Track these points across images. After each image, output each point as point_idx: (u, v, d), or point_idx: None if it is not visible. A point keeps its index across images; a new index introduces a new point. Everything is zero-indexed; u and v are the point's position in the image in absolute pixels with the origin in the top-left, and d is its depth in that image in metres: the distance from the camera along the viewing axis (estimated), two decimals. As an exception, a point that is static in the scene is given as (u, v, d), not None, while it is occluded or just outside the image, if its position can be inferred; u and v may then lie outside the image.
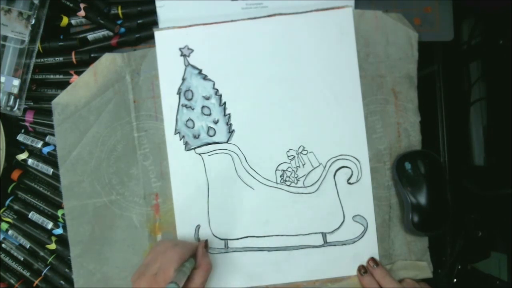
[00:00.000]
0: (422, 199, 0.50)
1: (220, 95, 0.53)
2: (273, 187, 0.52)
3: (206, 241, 0.50)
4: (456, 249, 0.54)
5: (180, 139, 0.53)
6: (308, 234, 0.52)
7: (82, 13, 0.54)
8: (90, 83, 0.53)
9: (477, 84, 0.59)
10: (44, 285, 0.54)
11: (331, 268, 0.52)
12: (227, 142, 0.53)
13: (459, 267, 0.53)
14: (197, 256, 0.48)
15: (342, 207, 0.52)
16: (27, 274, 0.55)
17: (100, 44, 0.56)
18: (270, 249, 0.52)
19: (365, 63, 0.53)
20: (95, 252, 0.52)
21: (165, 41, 0.53)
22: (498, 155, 0.58)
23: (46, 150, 0.56)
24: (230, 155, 0.52)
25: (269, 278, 0.52)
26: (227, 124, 0.53)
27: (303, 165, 0.52)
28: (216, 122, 0.53)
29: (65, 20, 0.55)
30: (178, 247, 0.46)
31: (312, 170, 0.52)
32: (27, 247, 0.55)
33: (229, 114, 0.53)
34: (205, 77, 0.53)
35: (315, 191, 0.52)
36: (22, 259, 0.55)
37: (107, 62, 0.53)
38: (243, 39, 0.53)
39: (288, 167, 0.53)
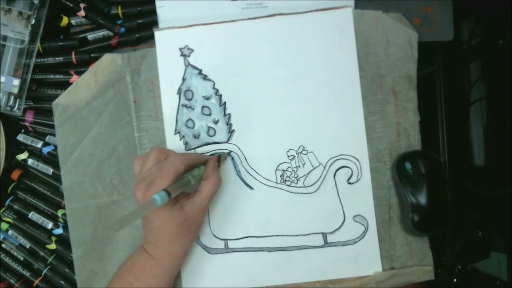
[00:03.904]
0: (422, 199, 0.50)
1: (220, 95, 0.53)
2: (273, 187, 0.52)
3: (219, 156, 0.49)
4: (456, 249, 0.54)
5: (180, 139, 0.53)
6: (309, 234, 0.52)
7: (82, 13, 0.54)
8: (90, 83, 0.53)
9: (477, 84, 0.59)
10: (44, 285, 0.54)
11: (332, 269, 0.52)
12: (227, 142, 0.53)
13: (459, 267, 0.53)
14: (207, 168, 0.47)
15: (342, 207, 0.52)
16: (27, 274, 0.55)
17: (100, 44, 0.56)
18: (270, 249, 0.52)
19: (365, 63, 0.53)
20: (98, 252, 0.52)
21: (165, 41, 0.53)
22: (498, 155, 0.58)
23: (46, 150, 0.56)
24: (230, 155, 0.52)
25: (269, 278, 0.52)
26: (227, 124, 0.53)
27: (303, 165, 0.52)
28: (216, 122, 0.53)
29: (65, 20, 0.55)
30: (182, 154, 0.45)
31: (312, 170, 0.52)
32: (27, 247, 0.56)
33: (229, 114, 0.53)
34: (205, 77, 0.53)
35: (315, 191, 0.52)
36: (22, 259, 0.55)
37: (107, 62, 0.53)
38: (243, 39, 0.53)
39: (288, 167, 0.53)
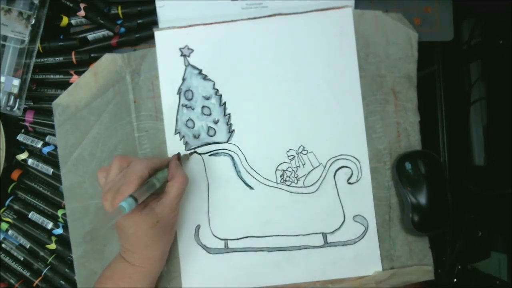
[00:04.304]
0: (422, 199, 0.50)
1: (220, 95, 0.53)
2: (273, 187, 0.52)
3: (178, 153, 0.49)
4: (456, 249, 0.54)
5: (180, 139, 0.53)
6: (309, 234, 0.52)
7: (82, 13, 0.54)
8: (90, 83, 0.53)
9: (477, 84, 0.59)
10: (44, 285, 0.54)
11: (332, 269, 0.52)
12: (227, 142, 0.53)
13: (459, 267, 0.53)
14: (170, 168, 0.47)
15: (342, 207, 0.52)
16: (27, 274, 0.55)
17: (100, 44, 0.56)
18: (270, 249, 0.52)
19: (365, 63, 0.53)
20: (97, 252, 0.52)
21: (165, 41, 0.53)
22: (498, 155, 0.58)
23: (46, 150, 0.56)
24: (230, 155, 0.52)
25: (269, 278, 0.52)
26: (227, 124, 0.53)
27: (303, 165, 0.52)
28: (216, 122, 0.53)
29: (65, 20, 0.55)
30: (144, 159, 0.45)
31: (312, 170, 0.52)
32: (27, 247, 0.56)
33: (229, 114, 0.53)
34: (205, 77, 0.53)
35: (315, 191, 0.52)
36: (22, 259, 0.55)
37: (107, 62, 0.53)
38: (243, 39, 0.53)
39: (288, 167, 0.53)
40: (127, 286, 0.45)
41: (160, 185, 0.45)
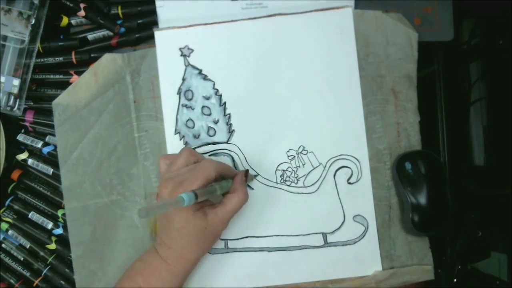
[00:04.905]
0: (422, 199, 0.50)
1: (220, 95, 0.53)
2: (273, 187, 0.52)
3: (247, 171, 0.48)
4: (456, 249, 0.54)
5: (180, 139, 0.53)
6: (309, 234, 0.52)
7: (82, 13, 0.54)
8: (90, 83, 0.53)
9: (477, 84, 0.59)
10: (44, 285, 0.54)
11: (332, 269, 0.52)
12: (227, 142, 0.53)
13: (459, 267, 0.53)
14: (235, 181, 0.46)
15: (342, 207, 0.52)
16: (27, 274, 0.55)
17: (100, 44, 0.56)
18: (270, 250, 0.52)
19: (365, 63, 0.53)
20: (97, 252, 0.52)
21: (165, 41, 0.53)
22: (498, 155, 0.58)
23: (46, 150, 0.55)
24: (230, 155, 0.52)
25: (269, 278, 0.52)
26: (227, 124, 0.53)
27: (303, 165, 0.52)
28: (216, 122, 0.53)
29: (65, 20, 0.55)
30: (215, 161, 0.45)
31: (312, 170, 0.52)
32: (27, 247, 0.55)
33: (229, 114, 0.53)
34: (205, 77, 0.53)
35: (315, 191, 0.52)
36: (22, 259, 0.55)
37: (107, 62, 0.53)
38: (243, 39, 0.53)
39: (288, 167, 0.53)
40: (157, 283, 0.45)
41: (220, 194, 0.45)
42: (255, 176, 0.52)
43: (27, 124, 0.56)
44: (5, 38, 0.53)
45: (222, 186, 0.45)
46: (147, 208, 0.36)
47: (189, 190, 0.40)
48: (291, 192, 0.52)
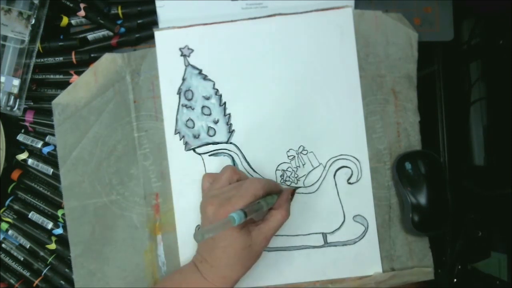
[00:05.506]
0: (422, 199, 0.50)
1: (220, 95, 0.53)
2: (273, 187, 0.52)
3: (294, 190, 0.49)
4: (456, 249, 0.54)
5: (180, 139, 0.53)
6: (309, 234, 0.52)
7: (82, 13, 0.54)
8: (90, 83, 0.53)
9: (477, 84, 0.59)
10: (44, 285, 0.54)
11: (332, 269, 0.51)
12: (227, 142, 0.53)
13: (459, 267, 0.53)
14: (281, 198, 0.46)
15: (342, 207, 0.52)
16: (27, 274, 0.55)
17: (100, 44, 0.56)
18: (270, 249, 0.52)
19: (365, 63, 0.53)
20: (96, 252, 0.52)
21: (165, 41, 0.53)
22: (498, 155, 0.58)
23: (46, 150, 0.55)
24: (230, 155, 0.52)
25: (269, 278, 0.52)
26: (227, 124, 0.53)
27: (303, 165, 0.52)
28: (216, 122, 0.53)
29: (65, 20, 0.55)
30: (263, 179, 0.45)
31: (312, 170, 0.52)
32: (27, 247, 0.55)
33: (229, 114, 0.53)
34: (205, 77, 0.53)
35: (315, 191, 0.52)
36: (22, 259, 0.55)
37: (107, 62, 0.53)
38: (243, 39, 0.53)
39: (288, 167, 0.53)
40: None
41: (265, 211, 0.44)
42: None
43: (27, 124, 0.56)
44: (5, 38, 0.53)
45: (268, 203, 0.44)
46: (202, 232, 0.36)
47: (237, 207, 0.40)
48: (291, 192, 0.52)
